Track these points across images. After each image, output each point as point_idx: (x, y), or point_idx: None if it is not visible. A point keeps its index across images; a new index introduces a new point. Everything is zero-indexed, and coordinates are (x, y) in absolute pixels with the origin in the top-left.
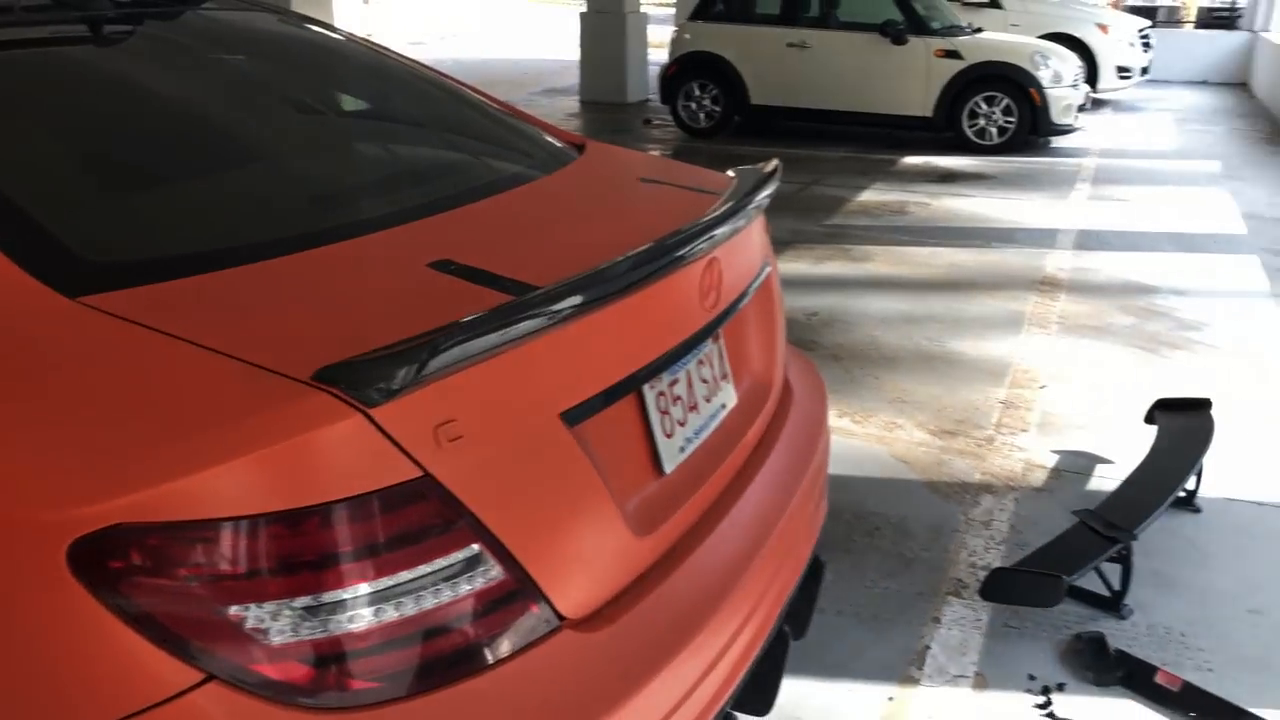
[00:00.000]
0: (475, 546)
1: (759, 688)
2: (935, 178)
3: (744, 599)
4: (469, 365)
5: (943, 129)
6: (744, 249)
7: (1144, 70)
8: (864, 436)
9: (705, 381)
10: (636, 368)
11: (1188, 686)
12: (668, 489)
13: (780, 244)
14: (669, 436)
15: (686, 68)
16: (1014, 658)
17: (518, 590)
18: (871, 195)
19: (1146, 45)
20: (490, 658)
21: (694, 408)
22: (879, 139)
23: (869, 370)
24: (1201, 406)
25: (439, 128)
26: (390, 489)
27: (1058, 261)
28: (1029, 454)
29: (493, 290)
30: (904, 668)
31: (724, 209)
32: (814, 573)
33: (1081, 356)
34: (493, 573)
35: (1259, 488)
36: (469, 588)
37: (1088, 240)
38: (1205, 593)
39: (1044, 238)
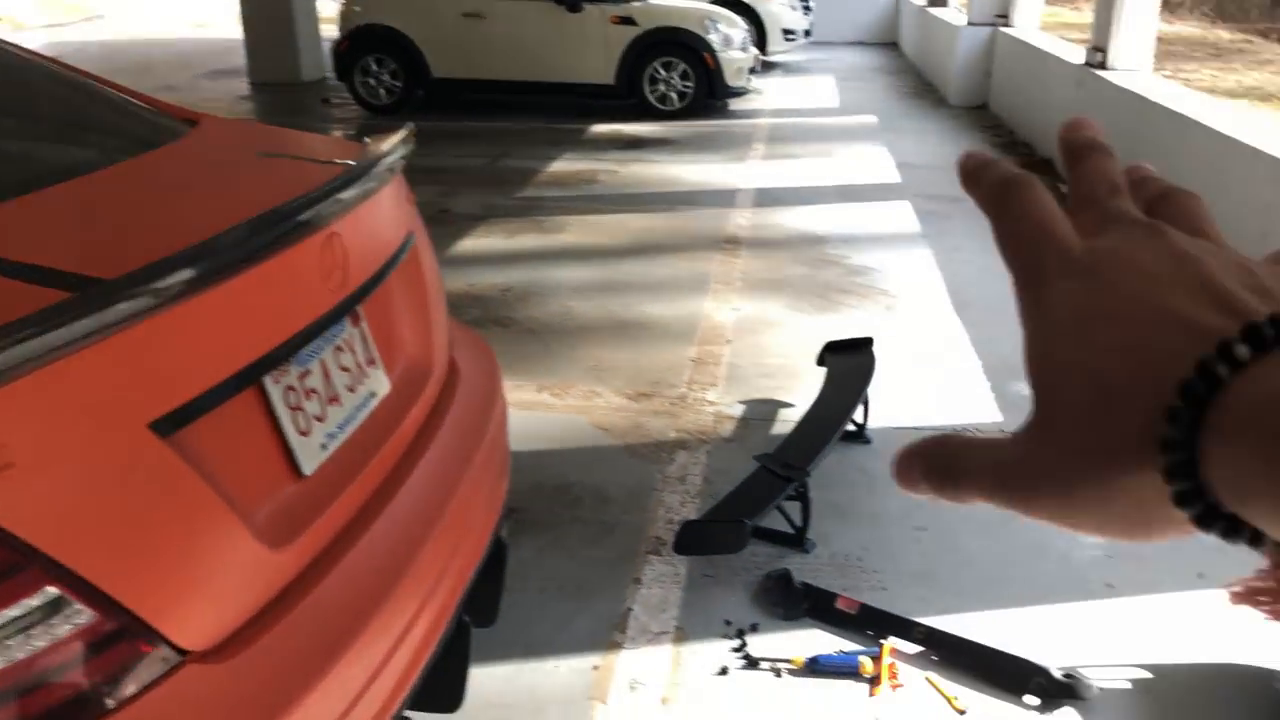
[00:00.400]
0: (53, 590)
1: (443, 684)
2: (622, 145)
3: (410, 596)
4: (12, 379)
5: (626, 96)
6: (375, 222)
7: (807, 32)
8: (563, 409)
9: (347, 370)
10: (249, 361)
11: (864, 608)
12: (309, 492)
13: (472, 219)
14: (305, 434)
15: (359, 42)
16: (711, 606)
17: (121, 630)
18: (562, 165)
19: (807, 9)
20: (103, 707)
21: (335, 400)
22: (567, 108)
23: (565, 341)
24: (864, 345)
25: (13, 112)
26: None
27: (738, 220)
28: (719, 407)
29: (46, 288)
30: (608, 634)
31: (339, 179)
32: (497, 556)
33: (763, 309)
34: (83, 616)
35: (918, 413)
36: (57, 635)
37: (765, 198)
38: (877, 517)
39: (725, 198)
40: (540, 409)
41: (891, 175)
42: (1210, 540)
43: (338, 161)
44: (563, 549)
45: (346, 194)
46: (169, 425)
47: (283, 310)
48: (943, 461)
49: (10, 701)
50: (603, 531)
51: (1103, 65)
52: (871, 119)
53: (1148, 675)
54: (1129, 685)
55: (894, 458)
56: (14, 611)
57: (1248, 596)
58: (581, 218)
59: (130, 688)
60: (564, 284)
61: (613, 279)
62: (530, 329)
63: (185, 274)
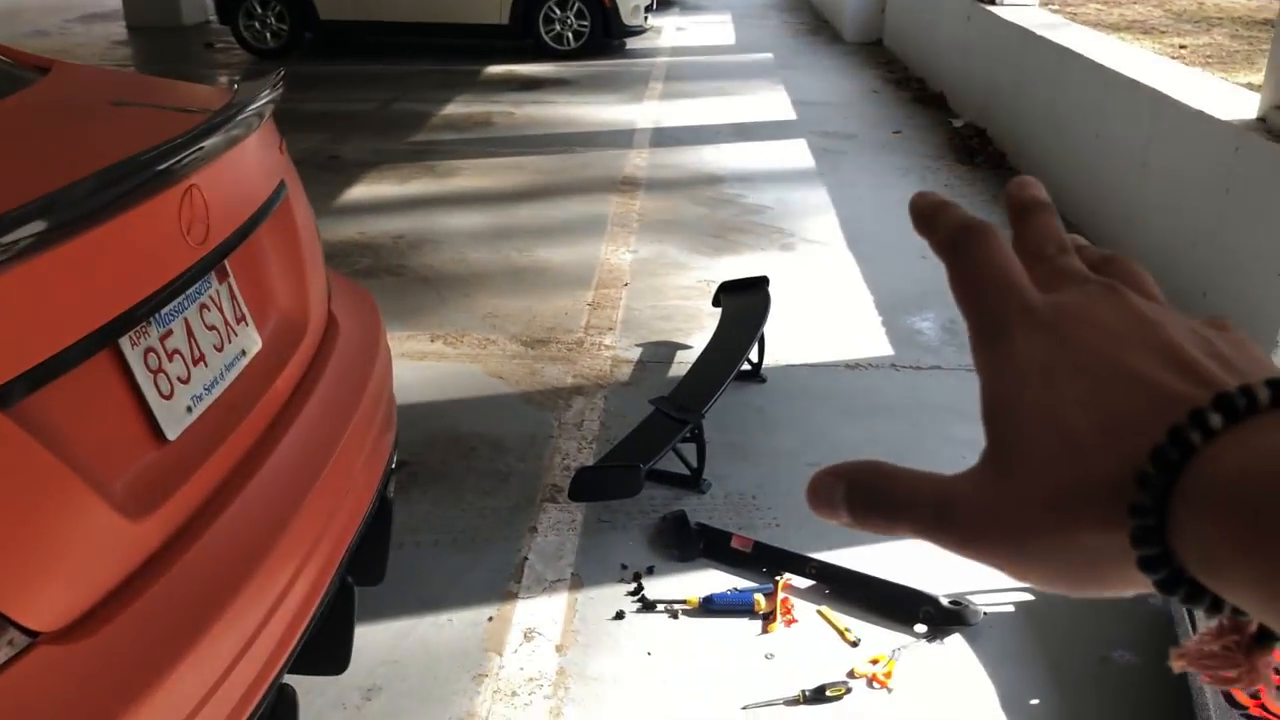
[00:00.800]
0: None
1: (327, 646)
2: (518, 86)
3: (286, 560)
4: None
5: (521, 36)
6: (240, 172)
7: None
8: (457, 357)
9: (213, 329)
10: (100, 323)
11: (758, 545)
12: (173, 458)
13: (363, 165)
14: (167, 398)
15: None
16: (607, 551)
17: None
18: (456, 108)
19: None
20: None
21: (200, 360)
22: (461, 50)
23: (459, 289)
24: (760, 285)
25: None
26: None
27: (635, 161)
28: (616, 351)
29: None
30: (503, 584)
31: (199, 128)
32: (382, 513)
33: (661, 250)
34: None
35: (812, 351)
36: None
37: (662, 137)
38: (772, 455)
39: (623, 138)
40: (434, 358)
41: (788, 113)
42: None
43: (199, 110)
44: (457, 500)
45: (207, 143)
46: (9, 395)
47: (138, 268)
48: (874, 492)
49: None
50: (498, 481)
51: (992, 0)
52: (768, 56)
53: (1031, 598)
54: (1013, 609)
55: (811, 480)
56: None
57: (1195, 660)
58: (476, 161)
59: None
60: (458, 230)
61: (508, 224)
62: (424, 277)
63: (25, 231)
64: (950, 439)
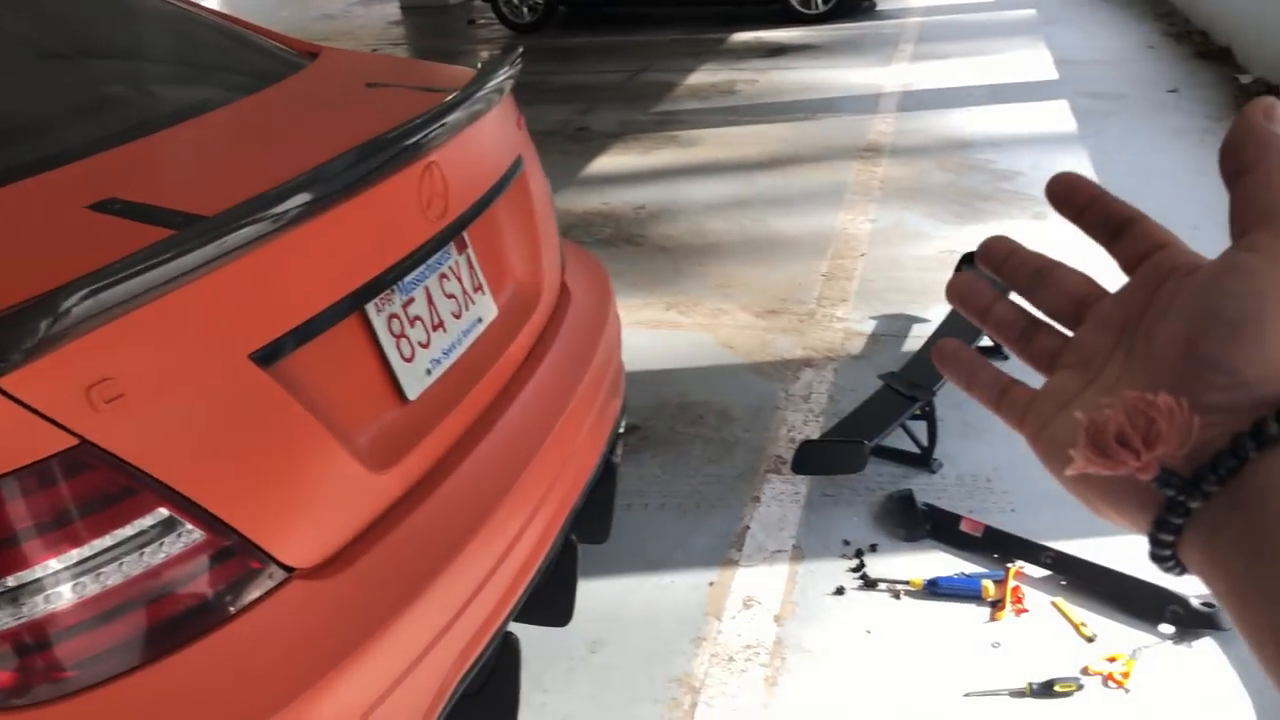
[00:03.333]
0: (164, 510)
1: (552, 600)
2: (764, 53)
3: (514, 516)
4: (121, 314)
5: (769, 1)
6: (478, 147)
7: None
8: (689, 326)
9: (452, 297)
10: (347, 291)
11: (989, 530)
12: (413, 417)
13: (609, 136)
14: (409, 360)
15: None
16: (830, 526)
17: (230, 548)
18: (701, 77)
19: None
20: (213, 619)
21: (439, 326)
22: (709, 18)
23: (695, 259)
24: None
25: (133, 51)
26: (43, 463)
27: (880, 126)
28: (848, 323)
29: (158, 227)
30: (724, 551)
31: (437, 108)
32: (607, 476)
33: (901, 219)
34: (193, 535)
35: None
36: (170, 553)
37: (909, 101)
38: (1009, 437)
39: (867, 103)
40: (667, 327)
41: (1049, 72)
42: None
43: (443, 89)
44: (684, 466)
45: (447, 121)
46: (270, 355)
47: (382, 240)
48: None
49: (137, 609)
50: (724, 449)
51: None
52: (1030, 12)
53: None
54: None
55: None
56: (128, 530)
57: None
58: (718, 130)
59: (241, 600)
60: (697, 200)
61: (747, 194)
62: (662, 246)
63: (280, 209)
64: None
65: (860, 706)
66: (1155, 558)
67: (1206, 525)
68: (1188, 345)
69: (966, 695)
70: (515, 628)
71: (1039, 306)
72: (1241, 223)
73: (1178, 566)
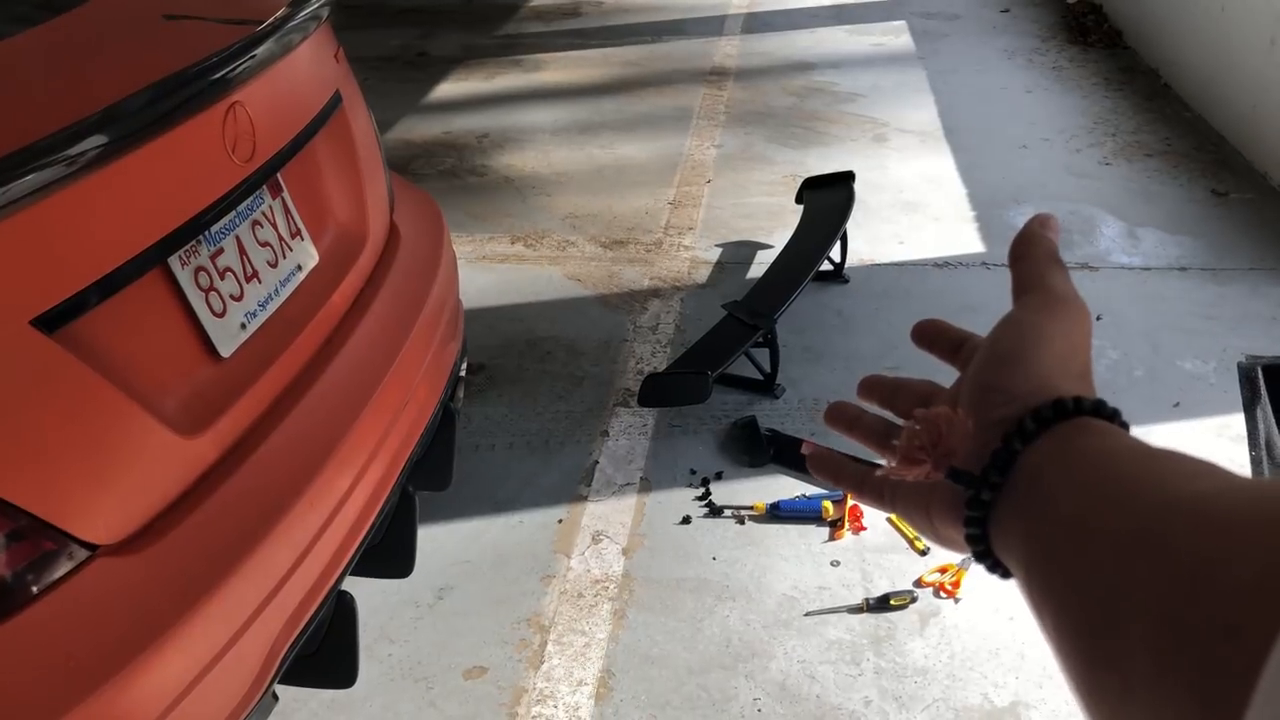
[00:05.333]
0: None
1: (390, 554)
2: None
3: (342, 471)
4: None
5: None
6: (289, 83)
7: None
8: (536, 260)
9: (267, 245)
10: (146, 245)
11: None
12: (227, 375)
13: (450, 61)
14: (220, 315)
15: None
16: (677, 456)
17: (17, 530)
18: None
19: None
20: (11, 603)
21: (254, 277)
22: None
23: (541, 189)
24: (845, 180)
25: None
26: None
27: (726, 49)
28: (695, 251)
29: None
30: (574, 488)
31: (241, 41)
32: (446, 422)
33: (747, 144)
34: None
35: (900, 249)
36: None
37: (755, 23)
38: (850, 359)
39: (714, 25)
40: (514, 261)
41: None
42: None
43: (250, 20)
44: (532, 404)
45: (256, 54)
46: (56, 319)
47: (184, 187)
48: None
49: None
50: (572, 385)
51: None
52: None
53: None
54: None
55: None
56: None
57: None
58: (562, 54)
59: (36, 585)
60: (542, 127)
61: (592, 119)
62: (506, 177)
63: (67, 154)
64: None
65: (707, 632)
66: (976, 557)
67: (1005, 527)
68: (976, 377)
69: (807, 615)
70: (360, 582)
71: (897, 413)
72: (1017, 291)
73: (998, 568)
